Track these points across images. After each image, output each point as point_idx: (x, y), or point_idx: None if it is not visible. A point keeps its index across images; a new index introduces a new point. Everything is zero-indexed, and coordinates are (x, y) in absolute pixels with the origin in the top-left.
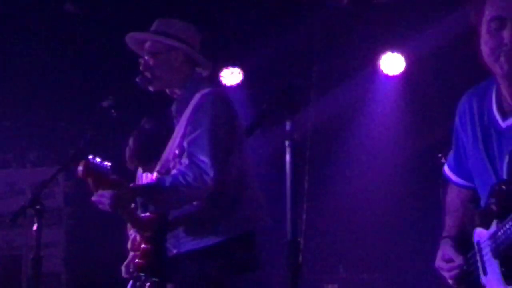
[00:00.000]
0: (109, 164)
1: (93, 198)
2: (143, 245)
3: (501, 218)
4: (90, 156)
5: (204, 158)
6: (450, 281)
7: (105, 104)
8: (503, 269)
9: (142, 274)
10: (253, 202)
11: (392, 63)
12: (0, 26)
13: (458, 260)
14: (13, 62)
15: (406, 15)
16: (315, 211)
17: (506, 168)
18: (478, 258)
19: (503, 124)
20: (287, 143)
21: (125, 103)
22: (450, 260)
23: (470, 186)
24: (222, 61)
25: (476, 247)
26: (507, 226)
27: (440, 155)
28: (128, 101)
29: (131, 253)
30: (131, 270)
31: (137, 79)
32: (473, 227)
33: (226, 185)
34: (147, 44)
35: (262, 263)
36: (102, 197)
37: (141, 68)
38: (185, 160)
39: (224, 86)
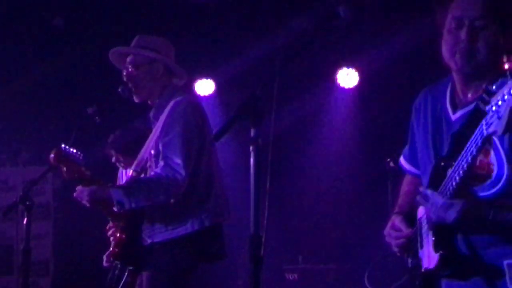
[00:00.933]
0: (81, 154)
1: (74, 194)
2: (117, 235)
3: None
4: (63, 145)
5: (177, 160)
6: (395, 249)
7: (90, 110)
8: (433, 238)
9: (117, 262)
10: (219, 198)
11: (347, 77)
12: None
13: (407, 231)
14: (7, 73)
15: (360, 35)
16: (276, 208)
17: (447, 148)
18: (418, 233)
19: (453, 117)
20: (251, 147)
21: (107, 110)
22: (398, 230)
23: (416, 174)
24: (197, 73)
25: (418, 223)
26: None
27: (388, 159)
28: (110, 109)
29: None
30: (111, 259)
31: (119, 90)
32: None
33: (197, 182)
34: (130, 58)
35: (227, 252)
36: (81, 193)
37: (124, 79)
38: (160, 162)
39: (198, 96)
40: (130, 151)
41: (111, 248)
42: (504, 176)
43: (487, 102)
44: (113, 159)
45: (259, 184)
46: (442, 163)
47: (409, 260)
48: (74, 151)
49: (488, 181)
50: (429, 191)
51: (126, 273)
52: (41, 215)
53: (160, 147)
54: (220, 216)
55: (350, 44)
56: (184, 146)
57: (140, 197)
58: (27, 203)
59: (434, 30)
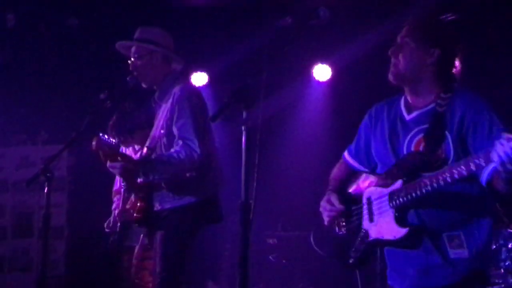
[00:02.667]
0: (115, 140)
1: (108, 165)
2: (138, 204)
3: (408, 179)
4: (100, 134)
5: (193, 140)
6: (326, 219)
7: (102, 96)
8: (396, 215)
9: (137, 225)
10: (217, 170)
11: (322, 72)
12: (20, 34)
13: (340, 207)
14: (29, 64)
15: (334, 33)
16: (263, 180)
17: (406, 146)
18: (365, 209)
19: (407, 117)
20: (243, 127)
21: (117, 96)
22: (332, 204)
23: (358, 169)
24: (191, 66)
25: (365, 201)
26: (411, 187)
27: None
28: (119, 95)
29: (114, 213)
30: (110, 225)
31: (127, 78)
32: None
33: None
34: (133, 49)
35: (223, 217)
36: (114, 168)
37: (130, 68)
38: (178, 142)
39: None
40: (128, 132)
41: (134, 215)
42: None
43: (442, 106)
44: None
45: (249, 159)
46: (408, 158)
47: (337, 229)
48: (110, 138)
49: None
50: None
51: (142, 235)
52: (57, 187)
53: (175, 131)
54: (218, 186)
55: (324, 42)
56: (196, 128)
57: (162, 170)
58: (48, 174)
59: (399, 29)
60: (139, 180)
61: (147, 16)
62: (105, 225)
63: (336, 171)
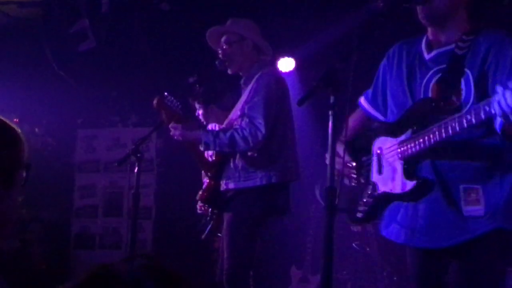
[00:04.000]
0: (179, 104)
1: (170, 126)
2: (207, 181)
3: (418, 129)
4: (165, 93)
5: (259, 119)
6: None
7: (191, 80)
8: (405, 167)
9: (205, 204)
10: (289, 161)
11: (285, 64)
12: (113, 18)
13: (347, 159)
14: (122, 50)
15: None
16: None
17: (424, 89)
18: (375, 160)
19: (427, 56)
20: (330, 112)
21: (206, 80)
22: (339, 156)
23: (374, 116)
24: (279, 52)
25: (375, 152)
26: (421, 136)
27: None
28: (208, 78)
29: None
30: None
31: (216, 63)
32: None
33: (271, 144)
34: (224, 37)
35: (291, 209)
36: (174, 129)
37: (220, 55)
38: (245, 119)
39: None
40: (206, 100)
41: (199, 193)
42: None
43: (462, 48)
44: (197, 113)
45: (335, 144)
46: (432, 104)
47: (347, 182)
48: (174, 100)
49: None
50: None
51: (209, 215)
52: (146, 168)
53: (246, 109)
54: (287, 176)
55: (287, 36)
56: (266, 110)
57: (224, 142)
58: (138, 155)
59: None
60: (202, 148)
61: (237, 4)
62: (197, 206)
63: (351, 120)
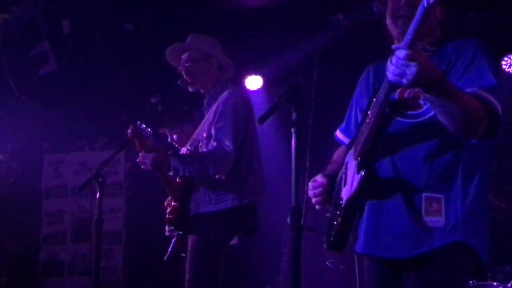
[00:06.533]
0: (151, 130)
1: (138, 159)
2: (172, 203)
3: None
4: (138, 122)
5: (227, 143)
6: (314, 200)
7: (153, 100)
8: (359, 161)
9: (171, 227)
10: (257, 179)
11: (253, 82)
12: (75, 40)
13: (322, 180)
14: (87, 73)
15: (264, 47)
16: None
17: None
18: (342, 173)
19: None
20: (293, 129)
21: (168, 100)
22: (315, 181)
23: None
24: (247, 70)
25: (343, 167)
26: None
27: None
28: (170, 99)
29: None
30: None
31: (178, 82)
32: None
33: (239, 165)
34: (187, 54)
35: (261, 228)
36: (144, 158)
37: (182, 73)
38: (213, 143)
39: (247, 89)
40: (180, 121)
41: (166, 215)
42: None
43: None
44: (169, 139)
45: (299, 163)
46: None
47: (330, 209)
48: (146, 128)
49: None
50: (395, 46)
51: (175, 237)
52: (115, 192)
53: (213, 132)
54: (256, 195)
55: (255, 54)
56: (234, 132)
57: (194, 167)
58: (100, 179)
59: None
60: (171, 174)
61: (201, 21)
62: (166, 228)
63: (335, 155)
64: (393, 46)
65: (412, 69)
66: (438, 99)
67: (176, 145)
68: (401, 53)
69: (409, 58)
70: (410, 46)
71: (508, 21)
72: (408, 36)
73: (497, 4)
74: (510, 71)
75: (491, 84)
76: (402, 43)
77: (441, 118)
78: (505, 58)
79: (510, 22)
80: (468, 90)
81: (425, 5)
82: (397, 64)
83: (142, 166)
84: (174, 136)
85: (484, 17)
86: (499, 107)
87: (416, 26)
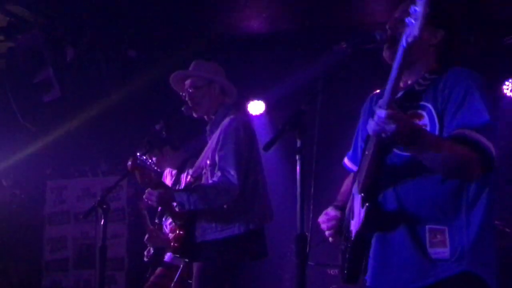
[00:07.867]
0: (152, 162)
1: (145, 196)
2: (177, 231)
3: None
4: (138, 153)
5: (232, 172)
6: (327, 233)
7: (158, 127)
8: (362, 195)
9: (176, 254)
10: (263, 205)
11: (255, 107)
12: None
13: (335, 213)
14: (89, 97)
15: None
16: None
17: None
18: (351, 205)
19: None
20: (297, 156)
21: (172, 126)
22: (327, 214)
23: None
24: (249, 95)
25: (351, 197)
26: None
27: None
28: (174, 125)
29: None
30: (149, 256)
31: (182, 109)
32: None
33: (244, 191)
34: (190, 80)
35: (268, 253)
36: (151, 195)
37: (186, 99)
38: (217, 173)
39: (249, 114)
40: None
41: (172, 243)
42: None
43: (421, 85)
44: (150, 161)
45: (304, 190)
46: None
47: (342, 242)
48: (147, 159)
49: None
50: (377, 106)
51: (181, 265)
52: (117, 218)
53: (217, 160)
54: (263, 221)
55: (257, 80)
56: (237, 160)
57: (199, 201)
58: (104, 206)
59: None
60: (177, 210)
61: (204, 47)
62: (145, 253)
63: (345, 184)
64: (375, 106)
65: (391, 126)
66: (420, 154)
67: (156, 168)
68: (382, 113)
69: (389, 117)
70: (390, 106)
71: (509, 45)
72: (388, 95)
73: (497, 28)
74: None
75: (482, 122)
76: (383, 100)
77: (432, 168)
78: (506, 83)
79: (511, 46)
80: (456, 132)
81: (404, 45)
82: (378, 122)
83: (149, 202)
84: (154, 159)
85: (484, 41)
86: (491, 145)
87: (394, 80)
